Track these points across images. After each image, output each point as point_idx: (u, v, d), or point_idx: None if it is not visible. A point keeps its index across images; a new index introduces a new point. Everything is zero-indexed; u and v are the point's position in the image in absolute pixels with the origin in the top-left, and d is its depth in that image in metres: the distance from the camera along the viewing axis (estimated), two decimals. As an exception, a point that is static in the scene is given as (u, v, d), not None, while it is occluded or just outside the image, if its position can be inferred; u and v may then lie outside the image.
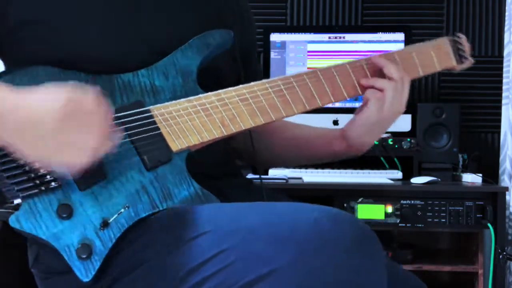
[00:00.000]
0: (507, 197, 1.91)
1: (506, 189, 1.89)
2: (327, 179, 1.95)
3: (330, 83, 1.02)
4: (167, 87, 0.92)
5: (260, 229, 0.76)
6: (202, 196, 0.90)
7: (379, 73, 1.05)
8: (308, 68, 2.22)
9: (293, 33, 2.23)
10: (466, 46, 1.15)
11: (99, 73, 0.89)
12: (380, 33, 2.22)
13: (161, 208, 0.87)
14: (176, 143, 0.89)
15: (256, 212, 0.80)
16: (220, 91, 0.93)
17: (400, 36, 2.21)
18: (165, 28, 0.97)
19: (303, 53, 2.23)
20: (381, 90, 1.02)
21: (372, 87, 1.03)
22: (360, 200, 1.88)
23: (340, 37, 2.23)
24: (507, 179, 2.10)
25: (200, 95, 0.92)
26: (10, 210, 0.91)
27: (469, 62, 1.15)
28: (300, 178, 1.96)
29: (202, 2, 1.04)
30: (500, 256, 1.83)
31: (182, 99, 0.91)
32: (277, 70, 2.22)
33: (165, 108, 0.90)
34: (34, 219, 0.81)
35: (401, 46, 2.21)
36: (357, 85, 1.05)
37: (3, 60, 0.97)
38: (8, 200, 0.83)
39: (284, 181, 1.88)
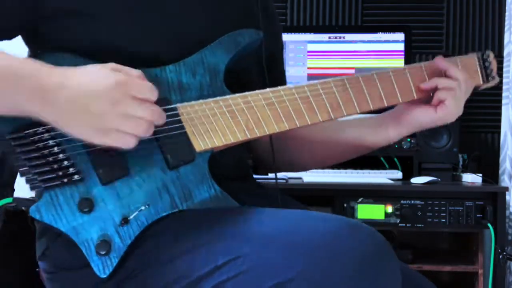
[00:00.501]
0: (507, 197, 1.91)
1: (506, 189, 1.89)
2: (327, 179, 1.95)
3: (356, 92, 0.99)
4: (194, 85, 0.91)
5: (276, 236, 0.76)
6: (222, 199, 0.89)
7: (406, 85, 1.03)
8: (308, 68, 2.22)
9: (293, 33, 2.23)
10: (494, 64, 1.13)
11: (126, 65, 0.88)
12: (380, 33, 2.22)
13: (181, 208, 0.86)
14: (200, 144, 0.88)
15: (271, 218, 0.80)
16: (246, 93, 0.91)
17: (400, 36, 2.21)
18: (196, 24, 0.96)
19: (303, 53, 2.23)
20: (451, 89, 1.01)
21: (435, 87, 1.02)
22: (360, 200, 1.88)
23: (340, 37, 2.23)
24: (507, 179, 2.10)
25: (227, 96, 0.91)
26: (30, 198, 0.91)
27: (495, 81, 1.13)
28: (300, 178, 1.96)
29: (236, 7, 1.02)
30: (500, 256, 1.83)
31: (209, 99, 0.90)
32: (277, 70, 2.22)
33: (191, 107, 0.88)
34: (54, 211, 0.81)
35: (401, 46, 2.21)
36: (383, 96, 1.01)
37: (30, 48, 0.95)
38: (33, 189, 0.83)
39: (284, 181, 1.88)
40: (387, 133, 1.09)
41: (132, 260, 0.83)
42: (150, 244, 0.84)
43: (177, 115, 0.88)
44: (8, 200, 0.91)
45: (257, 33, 0.97)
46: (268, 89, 0.93)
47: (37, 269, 1.12)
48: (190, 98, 0.90)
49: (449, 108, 1.02)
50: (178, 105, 0.88)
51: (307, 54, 2.23)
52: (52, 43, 0.89)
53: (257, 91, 0.92)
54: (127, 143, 0.78)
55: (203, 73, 0.92)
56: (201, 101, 0.89)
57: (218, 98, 0.90)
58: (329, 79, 0.98)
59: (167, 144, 0.86)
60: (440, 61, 1.03)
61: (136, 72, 0.81)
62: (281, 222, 0.78)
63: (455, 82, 1.01)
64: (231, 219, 0.82)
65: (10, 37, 0.91)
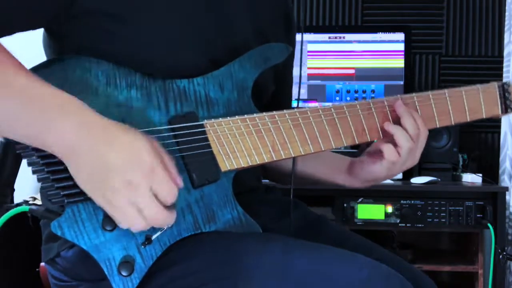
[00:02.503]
0: (507, 197, 1.91)
1: (506, 189, 1.89)
2: (327, 179, 1.94)
3: (381, 118, 0.97)
4: (221, 101, 0.89)
5: (310, 281, 0.76)
6: (244, 222, 0.87)
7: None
8: (308, 68, 2.22)
9: (293, 33, 2.23)
10: None
11: (153, 74, 0.85)
12: (380, 33, 2.22)
13: (203, 230, 0.84)
14: (226, 164, 0.86)
15: (304, 256, 0.79)
16: (274, 112, 0.90)
17: (400, 36, 2.21)
18: (224, 33, 0.93)
19: (303, 53, 2.22)
20: (398, 149, 0.95)
21: (392, 136, 0.96)
22: (360, 200, 1.88)
23: (340, 37, 2.23)
24: (507, 179, 2.10)
25: (254, 115, 0.88)
26: (47, 209, 0.89)
27: None
28: (300, 178, 1.96)
29: (260, 9, 1.00)
30: (500, 256, 1.83)
31: (236, 117, 0.87)
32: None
33: (218, 125, 0.86)
34: (77, 228, 0.78)
35: (401, 46, 2.21)
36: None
37: (53, 44, 0.92)
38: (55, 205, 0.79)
39: (284, 181, 1.88)
40: (339, 179, 1.09)
41: (154, 285, 0.81)
42: (175, 270, 0.81)
43: (204, 132, 0.85)
44: (25, 208, 0.89)
45: (287, 48, 0.95)
46: (295, 110, 0.92)
47: (37, 269, 1.12)
48: (217, 114, 0.88)
49: (385, 165, 0.97)
50: (205, 122, 0.86)
51: (307, 54, 2.23)
52: (77, 42, 0.87)
53: (284, 111, 0.91)
54: (121, 223, 0.74)
55: (231, 88, 0.90)
56: (228, 118, 0.87)
57: (245, 116, 0.88)
58: (355, 102, 0.96)
59: (192, 162, 0.83)
60: (399, 106, 0.97)
61: (172, 167, 0.76)
62: (312, 262, 0.78)
63: (407, 142, 0.95)
64: (259, 250, 0.80)
65: (35, 28, 0.87)
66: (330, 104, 0.95)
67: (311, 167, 1.12)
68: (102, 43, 0.85)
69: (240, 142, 0.87)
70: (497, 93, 1.06)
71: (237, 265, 0.79)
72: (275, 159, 0.89)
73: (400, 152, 0.95)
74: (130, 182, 0.71)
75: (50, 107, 0.73)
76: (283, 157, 0.90)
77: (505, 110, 1.07)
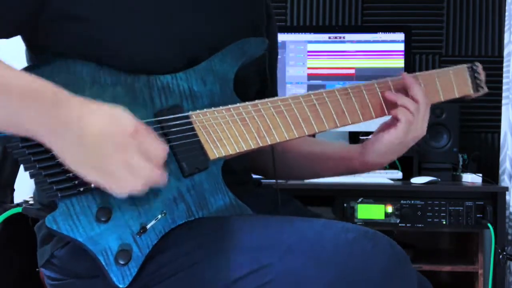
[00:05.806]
0: (507, 197, 1.91)
1: (506, 189, 1.89)
2: (327, 179, 1.95)
3: (359, 101, 1.01)
4: (205, 93, 0.91)
5: (299, 247, 0.77)
6: (236, 207, 0.89)
7: (404, 93, 1.03)
8: (308, 68, 2.22)
9: (293, 33, 2.23)
10: (482, 75, 1.15)
11: (134, 72, 0.87)
12: (380, 33, 2.22)
13: (197, 217, 0.86)
14: (214, 152, 0.88)
15: (293, 228, 0.80)
16: (256, 101, 0.93)
17: (400, 36, 2.21)
18: (202, 31, 0.95)
19: (303, 53, 2.23)
20: (409, 110, 1.00)
21: (396, 103, 1.01)
22: (360, 200, 1.88)
23: (340, 37, 2.23)
24: (507, 179, 2.09)
25: (238, 104, 0.91)
26: (39, 207, 0.89)
27: (484, 91, 1.15)
28: (300, 178, 1.96)
29: (238, 8, 1.01)
30: (500, 256, 1.83)
31: (221, 107, 0.90)
32: (277, 70, 2.22)
33: (203, 115, 0.89)
34: (71, 221, 0.78)
35: (401, 46, 2.21)
36: (384, 105, 1.04)
37: (31, 51, 0.93)
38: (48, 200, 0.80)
39: (284, 181, 1.88)
40: (352, 164, 1.10)
41: (148, 271, 0.82)
42: (168, 255, 0.82)
43: (190, 123, 0.87)
44: (18, 209, 0.90)
45: (263, 42, 0.98)
46: (276, 98, 0.95)
47: (37, 269, 1.12)
48: (202, 106, 0.90)
49: (400, 129, 1.00)
50: (190, 112, 0.88)
51: (307, 54, 2.22)
52: (53, 47, 0.88)
53: (266, 100, 0.93)
54: (118, 190, 0.76)
55: (213, 81, 0.92)
56: (213, 108, 0.89)
57: (229, 106, 0.90)
58: (333, 88, 1.00)
59: (181, 152, 0.85)
60: (406, 77, 1.03)
61: (153, 132, 0.79)
62: (302, 231, 0.79)
63: (415, 104, 1.00)
64: (252, 228, 0.82)
65: (7, 36, 0.88)
66: (310, 91, 0.99)
67: (319, 148, 1.15)
68: (80, 49, 0.86)
69: (226, 130, 0.89)
70: (468, 74, 1.13)
71: (226, 241, 0.80)
72: (261, 145, 0.92)
73: (411, 112, 0.99)
74: (118, 144, 0.73)
75: (26, 92, 0.74)
76: (269, 143, 0.93)
77: (476, 89, 1.14)
